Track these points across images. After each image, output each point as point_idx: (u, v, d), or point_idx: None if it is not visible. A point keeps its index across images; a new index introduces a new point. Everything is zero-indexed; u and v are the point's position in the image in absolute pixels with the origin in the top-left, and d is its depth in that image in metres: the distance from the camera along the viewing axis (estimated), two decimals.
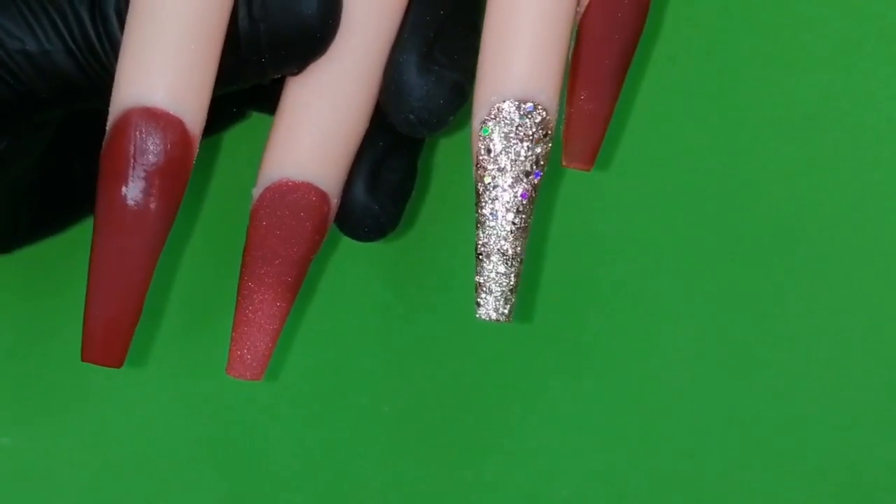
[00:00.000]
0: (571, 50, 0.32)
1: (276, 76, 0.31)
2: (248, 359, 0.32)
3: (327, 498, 0.40)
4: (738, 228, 0.41)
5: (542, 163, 0.31)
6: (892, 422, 0.41)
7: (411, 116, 0.31)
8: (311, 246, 0.32)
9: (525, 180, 0.30)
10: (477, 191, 0.31)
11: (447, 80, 0.31)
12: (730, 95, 0.41)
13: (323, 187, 0.32)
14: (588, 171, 0.32)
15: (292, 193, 0.31)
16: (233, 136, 0.39)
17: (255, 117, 0.38)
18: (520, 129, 0.30)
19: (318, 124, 0.31)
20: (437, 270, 0.40)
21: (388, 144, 0.33)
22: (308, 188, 0.31)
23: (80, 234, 0.36)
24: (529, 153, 0.30)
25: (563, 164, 0.32)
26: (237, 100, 0.36)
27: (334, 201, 0.32)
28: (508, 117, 0.30)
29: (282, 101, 0.32)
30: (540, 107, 0.30)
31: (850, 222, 0.41)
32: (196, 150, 0.29)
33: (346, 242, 0.38)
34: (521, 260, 0.31)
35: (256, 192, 0.32)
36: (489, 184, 0.30)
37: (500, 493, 0.41)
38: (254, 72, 0.30)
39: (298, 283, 0.32)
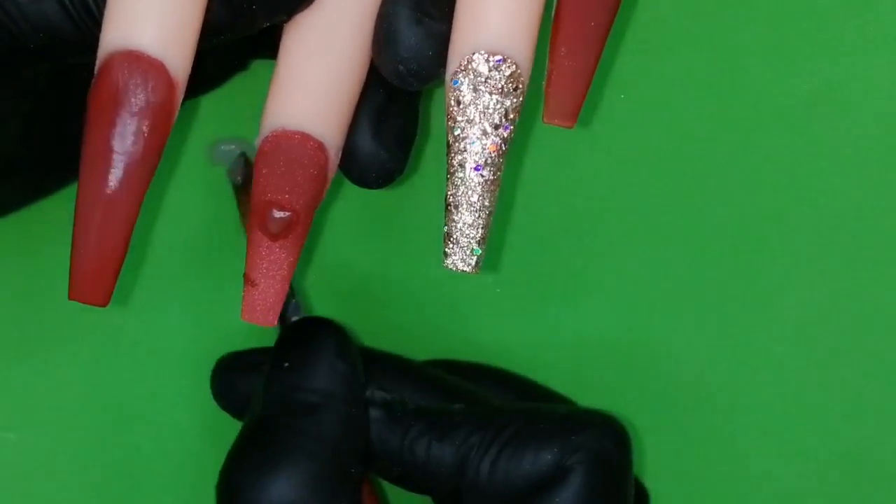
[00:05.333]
0: (556, 5, 0.32)
1: (265, 24, 0.32)
2: (258, 305, 0.33)
3: None
4: (737, 215, 0.41)
5: (511, 116, 0.31)
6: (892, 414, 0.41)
7: (400, 67, 0.32)
8: (312, 195, 0.33)
9: (494, 133, 0.31)
10: (447, 142, 0.31)
11: (437, 31, 0.31)
12: (731, 84, 0.41)
13: (319, 137, 0.32)
14: (570, 128, 0.31)
15: (288, 143, 0.32)
16: (239, 86, 0.40)
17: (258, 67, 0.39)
18: (489, 81, 0.30)
19: (313, 74, 0.32)
20: None
21: (389, 91, 0.34)
22: (304, 137, 0.32)
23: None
24: (498, 106, 0.30)
25: (544, 120, 0.31)
26: (239, 50, 0.37)
27: (332, 151, 0.33)
28: (477, 69, 0.30)
29: (280, 53, 0.33)
30: (510, 60, 0.30)
31: (851, 210, 0.41)
32: (180, 95, 0.31)
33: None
34: (490, 212, 0.31)
35: (258, 141, 0.33)
36: (458, 135, 0.31)
37: None
38: (244, 21, 0.31)
39: (303, 233, 0.33)
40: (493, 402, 0.38)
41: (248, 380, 0.38)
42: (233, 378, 0.39)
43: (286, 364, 0.36)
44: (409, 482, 0.37)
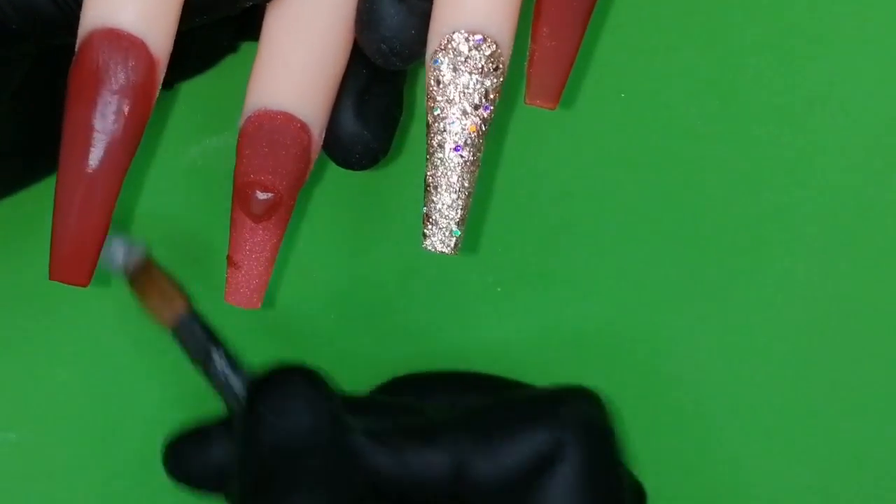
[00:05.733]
0: None
1: (248, 4, 0.32)
2: (242, 287, 0.33)
3: None
4: (737, 214, 0.41)
5: (491, 96, 0.31)
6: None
7: (383, 46, 0.31)
8: (296, 176, 0.32)
9: (473, 113, 0.30)
10: (427, 122, 0.31)
11: (419, 10, 0.31)
12: (730, 83, 0.41)
13: (301, 117, 0.32)
14: (552, 109, 0.31)
15: (270, 123, 0.32)
16: (229, 69, 0.40)
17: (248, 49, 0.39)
18: (469, 60, 0.30)
19: (295, 54, 0.32)
20: None
21: (372, 72, 0.34)
22: (286, 118, 0.32)
23: None
24: (478, 86, 0.30)
25: (526, 102, 0.31)
26: (227, 33, 0.37)
27: (316, 132, 0.33)
28: (457, 49, 0.30)
29: (262, 33, 0.33)
30: (490, 39, 0.30)
31: (851, 208, 0.41)
32: (161, 74, 0.30)
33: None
34: (470, 193, 0.31)
35: (240, 122, 0.33)
36: (438, 115, 0.31)
37: None
38: (226, 0, 0.31)
39: (286, 215, 0.33)
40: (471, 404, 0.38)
41: (202, 451, 0.38)
42: (186, 451, 0.39)
43: (265, 414, 0.36)
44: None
